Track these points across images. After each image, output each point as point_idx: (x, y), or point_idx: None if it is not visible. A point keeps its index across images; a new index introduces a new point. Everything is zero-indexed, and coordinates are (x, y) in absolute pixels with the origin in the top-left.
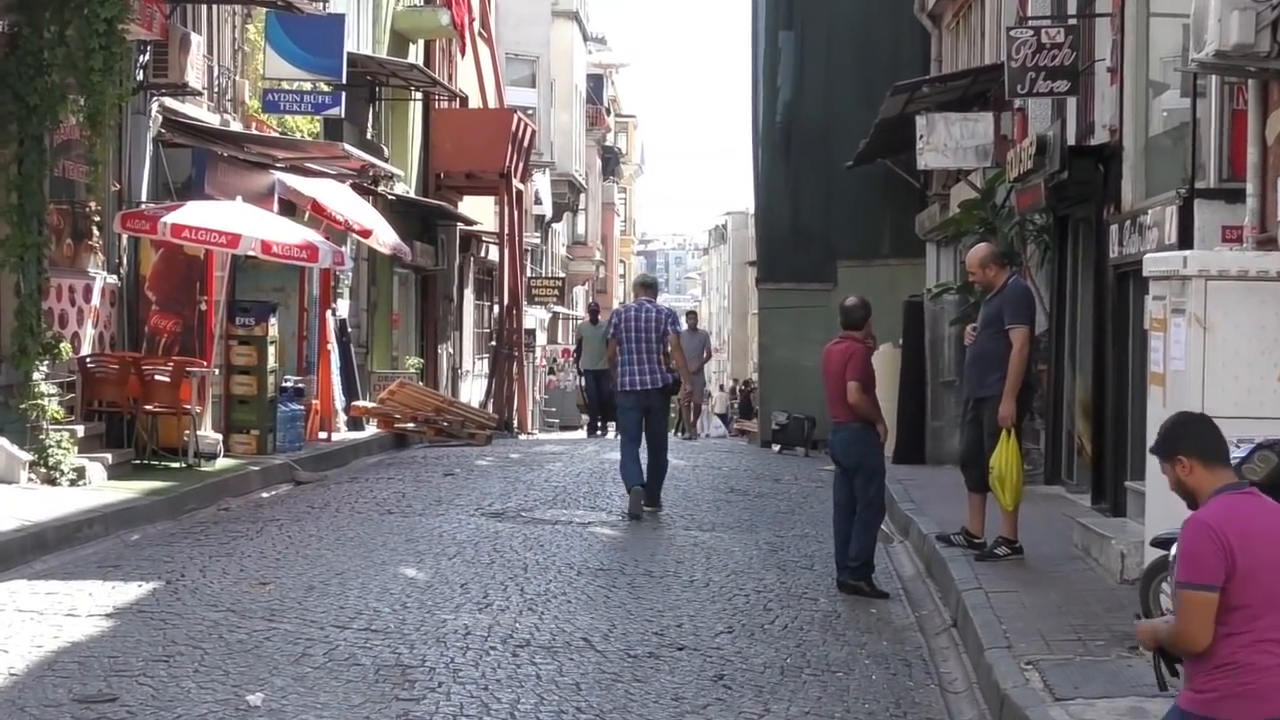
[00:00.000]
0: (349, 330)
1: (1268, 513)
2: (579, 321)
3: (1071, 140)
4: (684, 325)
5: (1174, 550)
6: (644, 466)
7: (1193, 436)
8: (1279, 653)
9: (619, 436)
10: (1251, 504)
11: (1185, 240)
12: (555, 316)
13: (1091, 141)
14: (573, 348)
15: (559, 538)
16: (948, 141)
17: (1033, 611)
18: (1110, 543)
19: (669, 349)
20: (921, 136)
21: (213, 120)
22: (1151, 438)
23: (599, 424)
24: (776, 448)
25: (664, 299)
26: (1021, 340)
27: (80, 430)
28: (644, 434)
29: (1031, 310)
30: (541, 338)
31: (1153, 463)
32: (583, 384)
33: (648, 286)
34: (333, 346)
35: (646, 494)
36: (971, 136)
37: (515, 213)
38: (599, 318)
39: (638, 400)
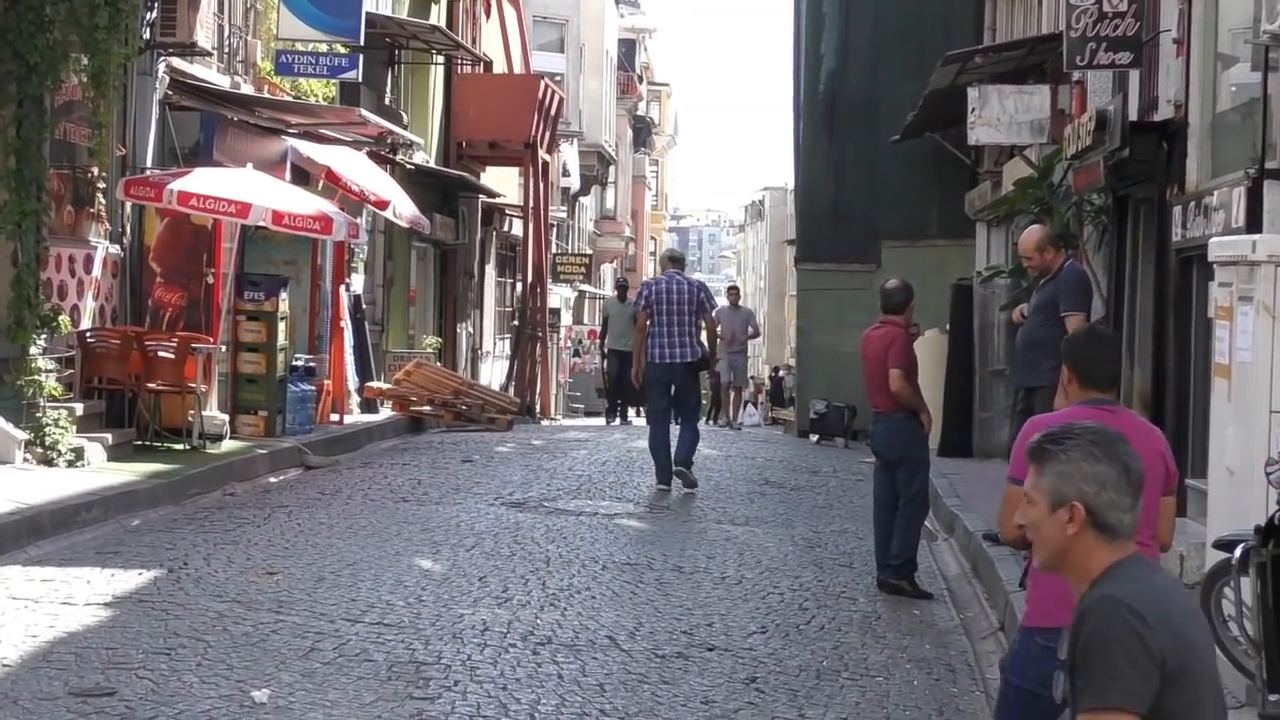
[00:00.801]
0: (363, 307)
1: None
2: (606, 298)
3: (1133, 116)
4: (724, 301)
5: (1237, 552)
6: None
7: (1080, 352)
8: None
9: (647, 418)
10: (1087, 414)
11: (1254, 223)
12: (581, 295)
13: (1155, 117)
14: (598, 327)
15: (583, 529)
16: (1001, 116)
17: None
18: None
19: (703, 323)
20: (973, 110)
21: (222, 82)
22: (1216, 433)
23: (619, 409)
24: (814, 438)
25: (697, 276)
26: (1078, 326)
27: (79, 408)
28: (673, 409)
29: (1088, 296)
30: (566, 318)
31: (1216, 460)
32: (605, 365)
33: (676, 260)
34: (346, 324)
35: (677, 465)
36: (1026, 110)
37: (541, 185)
38: (628, 294)
39: (664, 374)
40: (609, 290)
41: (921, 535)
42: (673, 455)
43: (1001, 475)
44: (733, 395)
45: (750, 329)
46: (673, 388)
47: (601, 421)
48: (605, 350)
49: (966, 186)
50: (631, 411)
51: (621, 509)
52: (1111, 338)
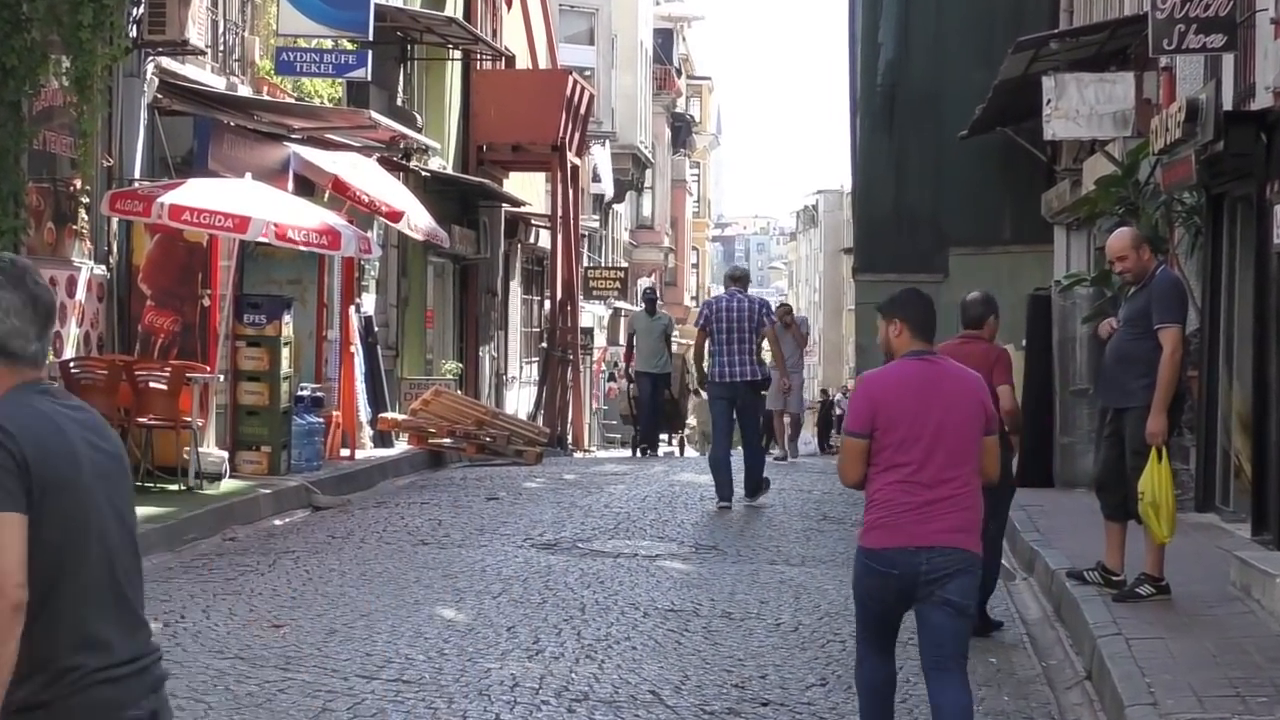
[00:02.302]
0: (376, 330)
1: (923, 374)
2: (632, 311)
3: (1228, 105)
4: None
5: None
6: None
7: (911, 307)
8: (916, 493)
9: (710, 438)
10: (913, 366)
11: None
12: (616, 313)
13: (1252, 106)
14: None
15: (621, 573)
16: (1080, 107)
17: (1182, 662)
18: (1275, 581)
19: (763, 341)
20: (1049, 101)
21: (218, 84)
22: None
23: (647, 441)
24: None
25: (760, 296)
26: (1174, 341)
27: None
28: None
29: (1184, 305)
30: (600, 338)
31: None
32: (632, 390)
33: (738, 279)
34: (356, 349)
35: (746, 488)
36: (1109, 101)
37: (570, 192)
38: (657, 308)
39: (726, 391)
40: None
41: (999, 573)
42: (741, 485)
43: (1085, 507)
44: (787, 421)
45: (800, 340)
46: (733, 404)
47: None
48: (632, 372)
49: (1043, 187)
50: (664, 440)
51: (664, 549)
52: (929, 297)
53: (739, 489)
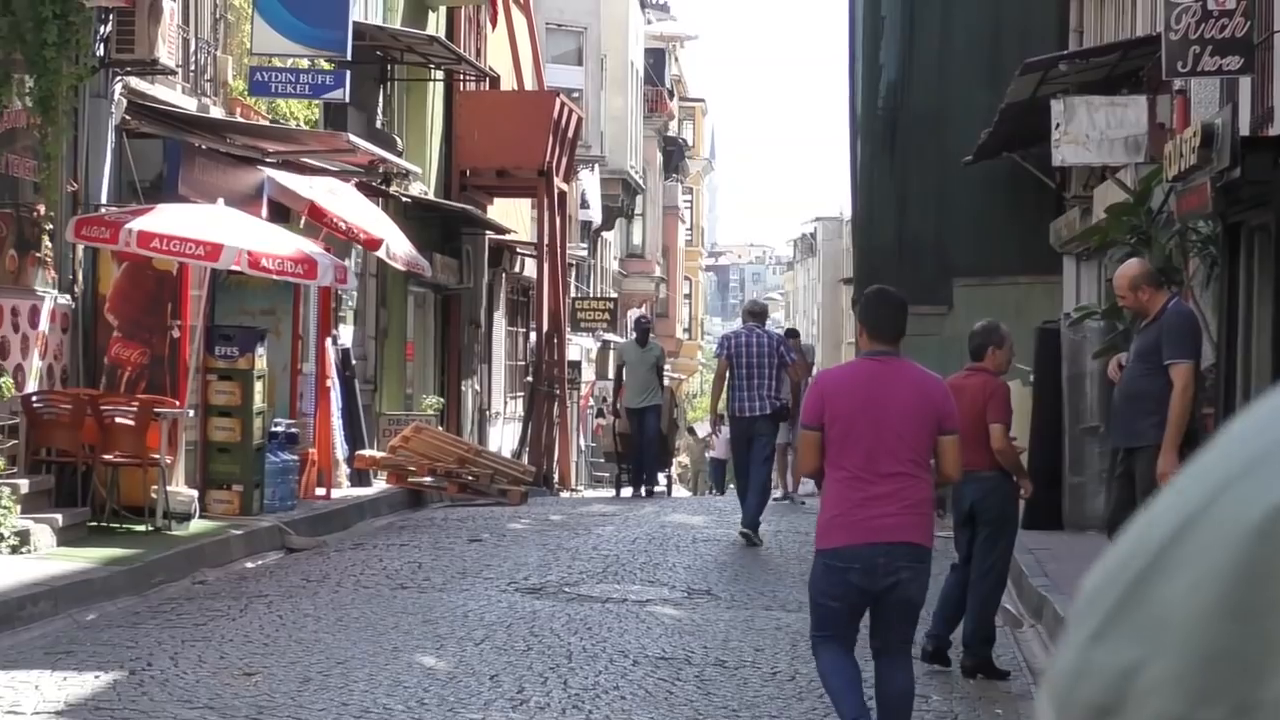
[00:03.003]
0: (353, 363)
1: (874, 373)
2: (621, 342)
3: (1245, 130)
4: None
5: None
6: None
7: (867, 310)
8: (861, 488)
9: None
10: (863, 367)
11: None
12: (605, 346)
13: (1270, 131)
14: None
15: (610, 619)
16: (1090, 131)
17: None
18: None
19: (784, 375)
20: (1058, 125)
21: (189, 105)
22: None
23: (634, 479)
24: None
25: (737, 325)
26: (1185, 378)
27: (24, 485)
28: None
29: (1197, 340)
30: (588, 372)
31: None
32: (617, 426)
33: (756, 314)
34: (333, 382)
35: (744, 529)
36: (1120, 125)
37: (557, 219)
38: (650, 337)
39: (745, 428)
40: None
41: (1002, 617)
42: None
43: (1097, 550)
44: (790, 458)
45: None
46: (749, 440)
47: (625, 492)
48: (619, 408)
49: (1051, 215)
50: (663, 479)
51: (655, 594)
52: (899, 299)
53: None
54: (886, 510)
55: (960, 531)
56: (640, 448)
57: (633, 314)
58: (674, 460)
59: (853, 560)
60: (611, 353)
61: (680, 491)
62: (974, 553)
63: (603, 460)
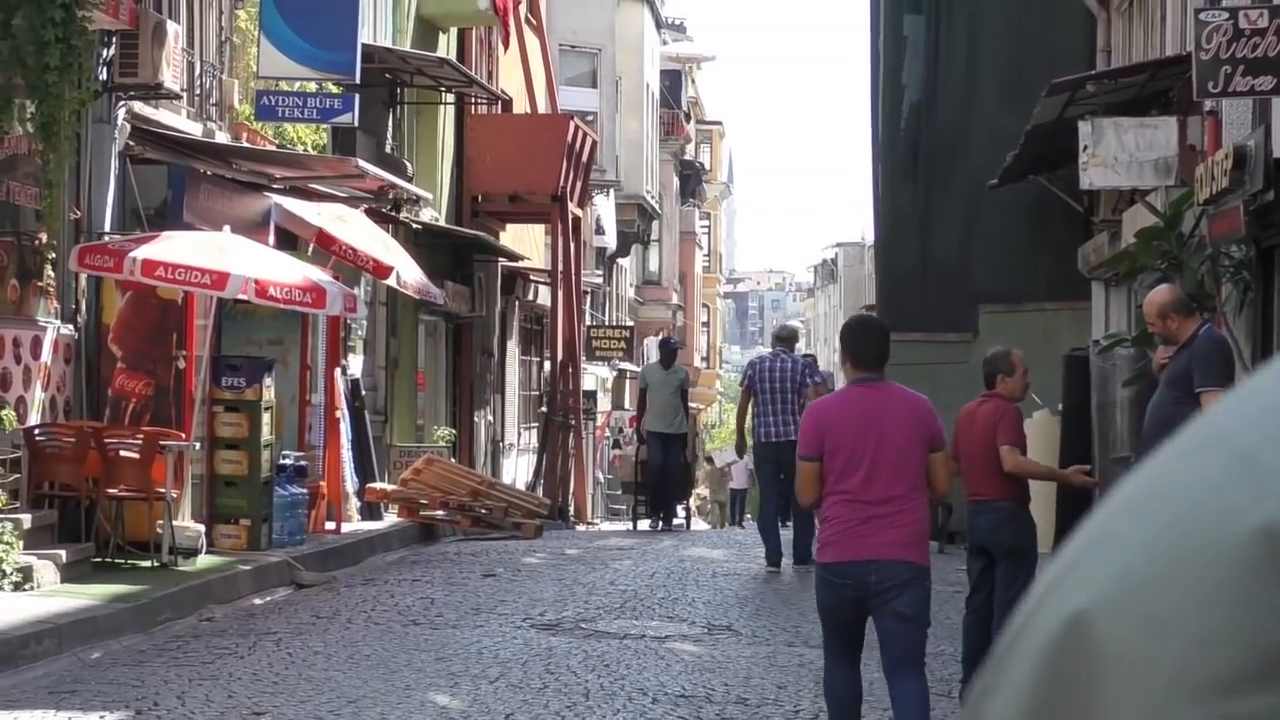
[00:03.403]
0: (363, 393)
1: (865, 400)
2: (645, 365)
3: (1278, 152)
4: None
5: None
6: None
7: (849, 339)
8: (860, 509)
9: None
10: (854, 393)
11: None
12: (621, 375)
13: None
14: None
15: (628, 656)
16: (1119, 154)
17: None
18: None
19: (805, 400)
20: (1086, 147)
21: (194, 130)
22: None
23: (651, 509)
24: None
25: (758, 352)
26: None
27: (26, 520)
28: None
29: (1229, 368)
30: (604, 401)
31: None
32: (639, 453)
33: (783, 339)
34: (343, 414)
35: (795, 555)
36: (1149, 147)
37: (571, 245)
38: (675, 359)
39: (772, 453)
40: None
41: None
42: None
43: None
44: None
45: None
46: (779, 465)
47: (643, 525)
48: (643, 432)
49: (1079, 240)
50: (681, 510)
51: (674, 630)
52: (880, 326)
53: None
54: (883, 529)
55: (972, 561)
56: (662, 477)
57: (649, 342)
58: (693, 491)
59: (847, 576)
60: (629, 378)
61: (699, 524)
62: (994, 585)
63: (619, 492)
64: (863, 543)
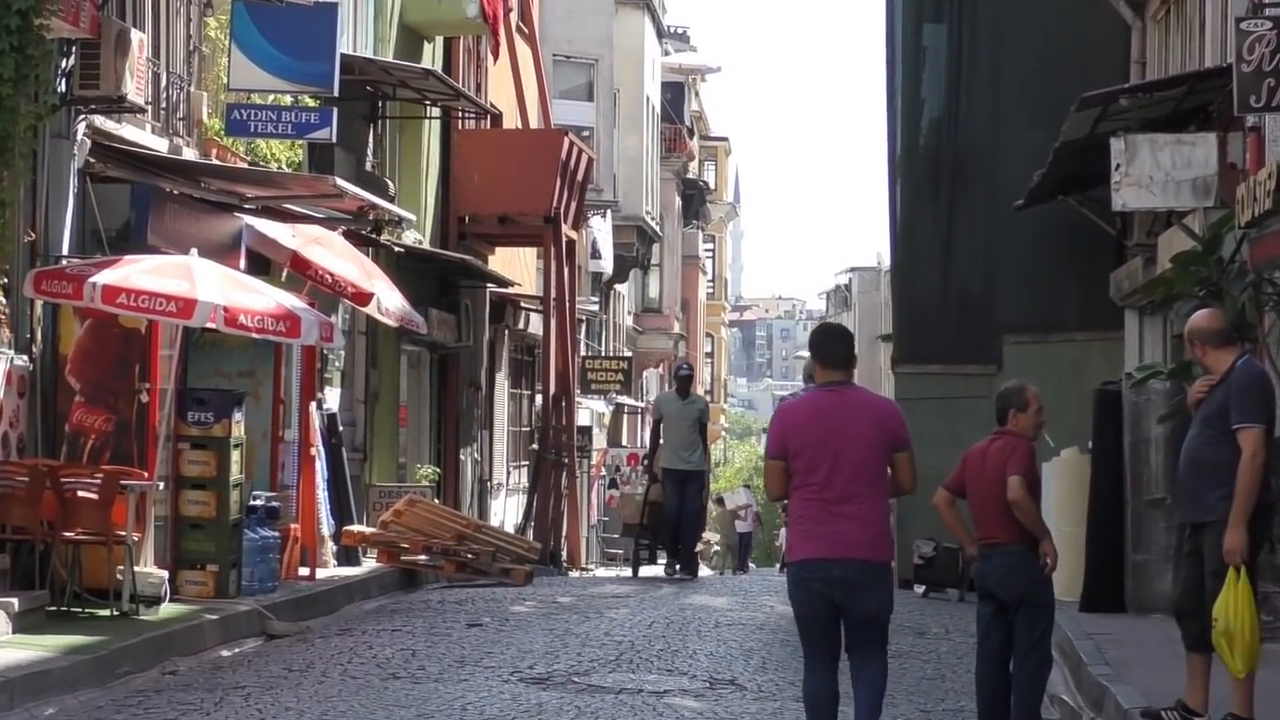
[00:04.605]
0: (340, 429)
1: (828, 403)
2: (659, 394)
3: None
4: None
5: None
6: None
7: (815, 346)
8: (823, 508)
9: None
10: (819, 397)
11: None
12: (619, 410)
13: None
14: (647, 440)
15: (624, 712)
16: (1154, 173)
17: None
18: None
19: None
20: (1118, 166)
21: (159, 146)
22: None
23: (668, 552)
24: (920, 589)
25: (766, 385)
26: (1255, 444)
27: None
28: None
29: (1270, 403)
30: (600, 438)
31: None
32: (649, 492)
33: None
34: (318, 451)
35: None
36: (1187, 166)
37: (565, 270)
38: (691, 388)
39: None
40: (668, 386)
41: (1058, 709)
42: None
43: (1164, 635)
44: None
45: None
46: None
47: (645, 571)
48: (655, 469)
49: (1112, 265)
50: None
51: (674, 684)
52: (842, 329)
53: None
54: (847, 528)
55: (982, 607)
56: (678, 520)
57: (650, 375)
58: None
59: (815, 571)
60: (627, 412)
61: (706, 571)
62: (1008, 632)
63: (617, 535)
64: (830, 540)
